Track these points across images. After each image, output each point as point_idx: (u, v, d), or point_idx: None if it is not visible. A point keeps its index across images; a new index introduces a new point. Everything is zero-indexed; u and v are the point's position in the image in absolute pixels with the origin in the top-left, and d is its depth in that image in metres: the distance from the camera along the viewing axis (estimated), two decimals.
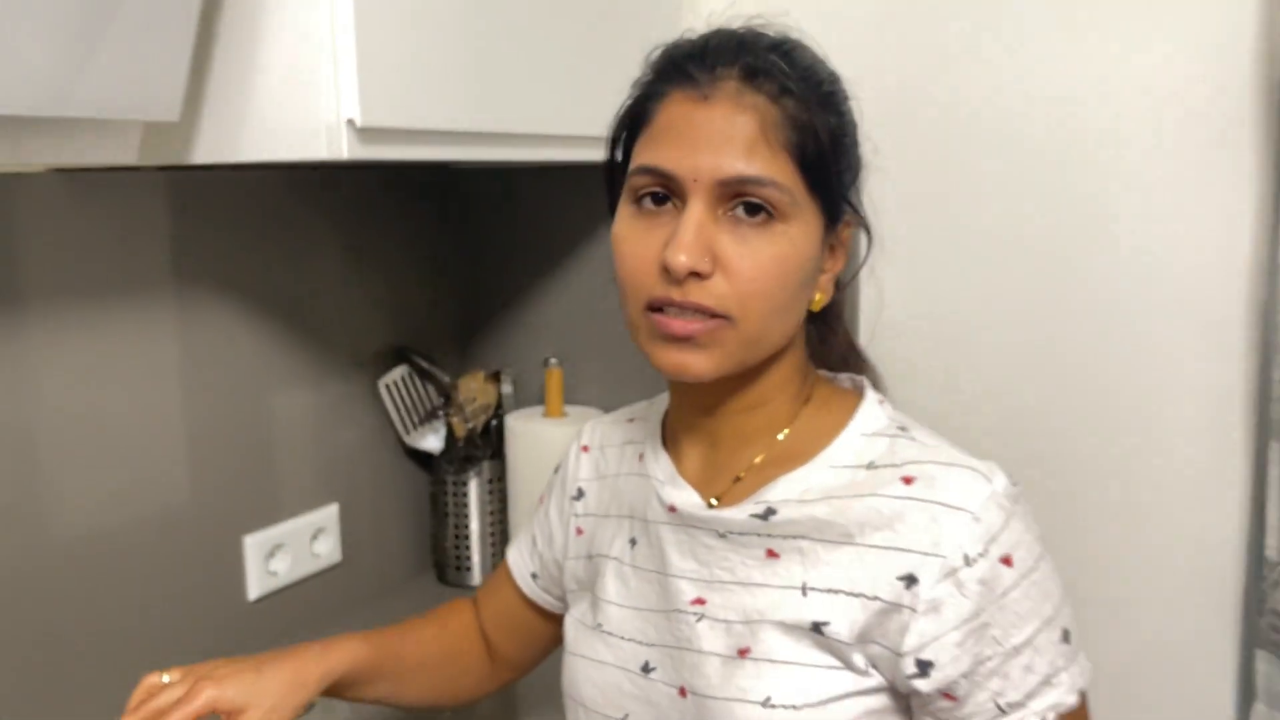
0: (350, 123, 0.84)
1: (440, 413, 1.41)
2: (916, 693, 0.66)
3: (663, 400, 0.85)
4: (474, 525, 1.39)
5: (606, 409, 0.93)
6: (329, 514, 1.31)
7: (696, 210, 0.66)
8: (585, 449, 0.90)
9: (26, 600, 1.00)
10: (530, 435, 1.33)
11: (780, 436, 0.75)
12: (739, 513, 0.72)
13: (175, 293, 1.11)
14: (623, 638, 0.77)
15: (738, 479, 0.75)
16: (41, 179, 0.99)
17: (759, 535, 0.72)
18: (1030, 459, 1.18)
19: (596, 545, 0.84)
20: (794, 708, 0.67)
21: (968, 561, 0.65)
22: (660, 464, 0.79)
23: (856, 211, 0.74)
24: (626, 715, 0.75)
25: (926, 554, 0.65)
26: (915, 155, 1.20)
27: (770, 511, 0.71)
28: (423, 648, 0.90)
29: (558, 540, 0.89)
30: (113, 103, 0.79)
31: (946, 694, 0.66)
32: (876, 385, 0.78)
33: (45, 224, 1.00)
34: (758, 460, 0.75)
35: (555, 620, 0.92)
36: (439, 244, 1.46)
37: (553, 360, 1.37)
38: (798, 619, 0.69)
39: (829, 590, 0.68)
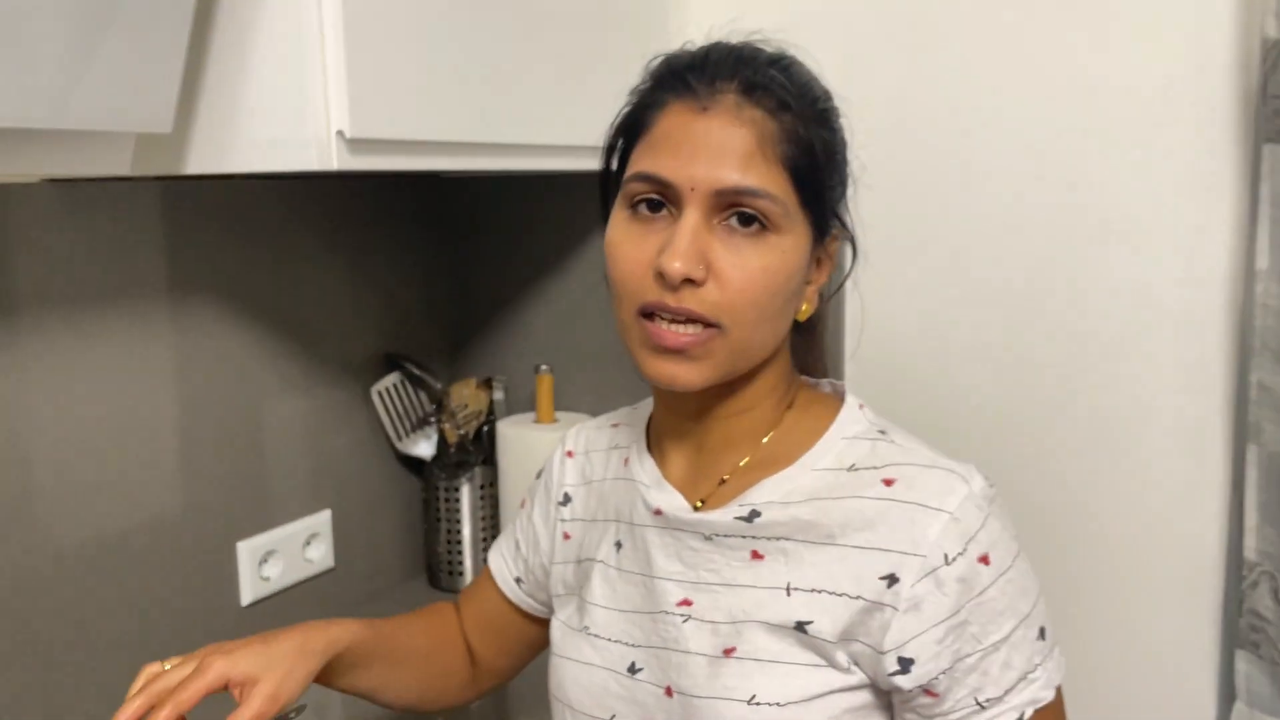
0: (340, 134, 0.85)
1: (432, 419, 1.42)
2: (898, 689, 0.68)
3: (646, 405, 0.87)
4: (466, 531, 1.40)
5: (597, 415, 0.94)
6: (322, 520, 1.32)
7: (692, 218, 0.68)
8: (570, 454, 0.91)
9: (20, 606, 1.01)
10: (521, 441, 1.35)
11: (764, 440, 0.76)
12: (724, 515, 0.74)
13: (168, 301, 1.12)
14: (609, 639, 0.78)
15: (722, 482, 0.76)
16: (36, 189, 1.00)
17: (744, 537, 0.73)
18: (1011, 463, 1.19)
19: (585, 550, 0.85)
20: (778, 705, 0.68)
21: (947, 560, 0.66)
22: (645, 468, 0.81)
23: (844, 225, 0.76)
24: (613, 716, 0.76)
25: (907, 553, 0.67)
26: (898, 169, 1.22)
27: (755, 514, 0.73)
28: (412, 640, 0.90)
29: (544, 545, 0.90)
30: (106, 115, 0.80)
31: (927, 690, 0.67)
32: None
33: (39, 234, 1.01)
34: (742, 463, 0.76)
35: (538, 624, 0.93)
36: (430, 252, 1.47)
37: (543, 367, 1.38)
38: (782, 618, 0.70)
39: (812, 590, 0.70)
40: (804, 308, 0.74)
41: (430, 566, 1.44)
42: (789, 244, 0.69)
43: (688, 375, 0.69)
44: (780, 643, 0.70)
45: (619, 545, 0.81)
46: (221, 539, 1.20)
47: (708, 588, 0.74)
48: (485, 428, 1.42)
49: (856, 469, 0.72)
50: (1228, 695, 1.11)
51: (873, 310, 1.15)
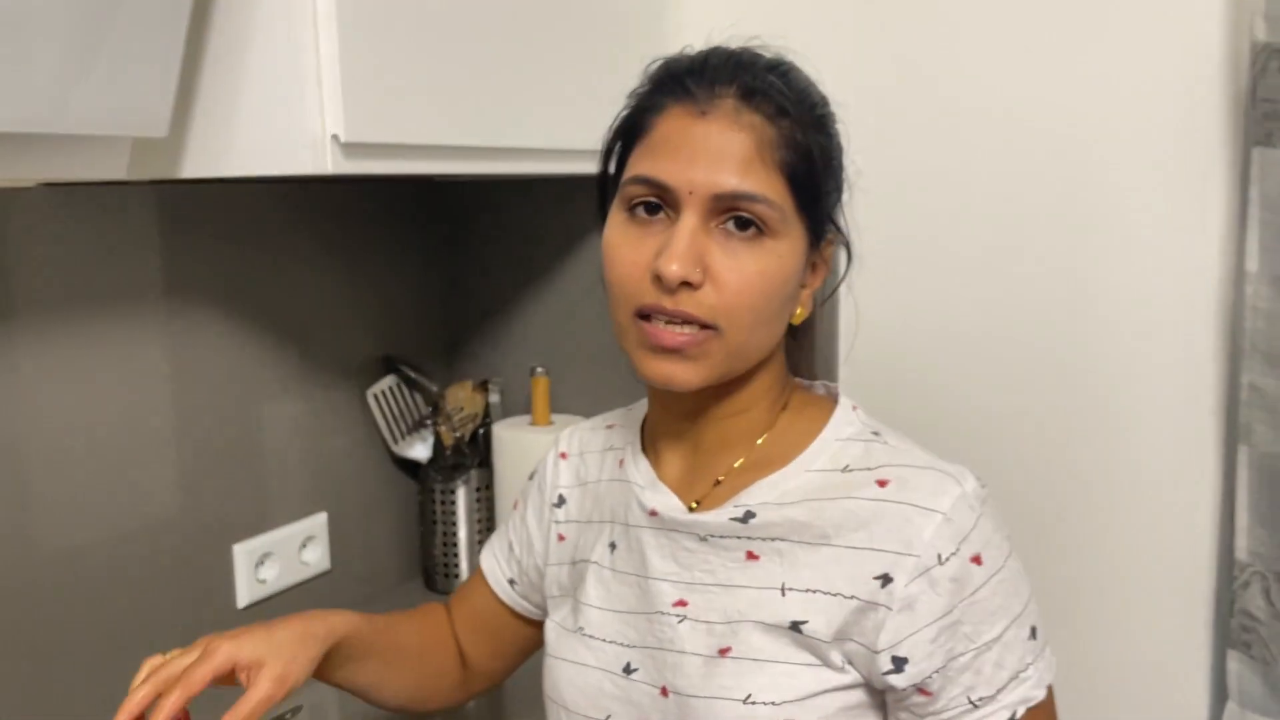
0: (334, 138, 0.85)
1: (428, 422, 1.42)
2: (892, 688, 0.68)
3: (640, 406, 0.87)
4: (461, 533, 1.40)
5: (592, 417, 0.95)
6: (318, 522, 1.32)
7: (690, 222, 0.68)
8: (564, 456, 0.91)
9: (16, 610, 1.01)
10: (517, 444, 1.35)
11: (759, 442, 0.77)
12: (719, 516, 0.74)
13: (165, 305, 1.13)
14: (604, 640, 0.79)
15: (717, 483, 0.77)
16: (32, 194, 1.00)
17: (739, 538, 0.74)
18: (1004, 465, 1.20)
19: (580, 551, 0.85)
20: (773, 704, 0.69)
21: (941, 560, 0.67)
22: (640, 469, 0.81)
23: (839, 230, 0.77)
24: (609, 716, 0.77)
25: (901, 553, 0.67)
26: (892, 174, 1.22)
27: (750, 515, 0.73)
28: (406, 638, 0.90)
29: (538, 547, 0.90)
30: (103, 119, 0.80)
31: (921, 689, 0.68)
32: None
33: (36, 238, 1.01)
34: (737, 465, 0.76)
35: (530, 626, 0.93)
36: (426, 255, 1.47)
37: (539, 369, 1.38)
38: (777, 618, 0.70)
39: (807, 590, 0.70)
40: (799, 311, 0.75)
41: (426, 569, 1.44)
42: (785, 248, 0.70)
43: (684, 375, 0.70)
44: (775, 642, 0.70)
45: (613, 546, 0.81)
46: (217, 541, 1.20)
47: (703, 588, 0.74)
48: (481, 430, 1.42)
49: (851, 470, 0.73)
50: (1220, 695, 1.12)
51: (866, 314, 1.16)
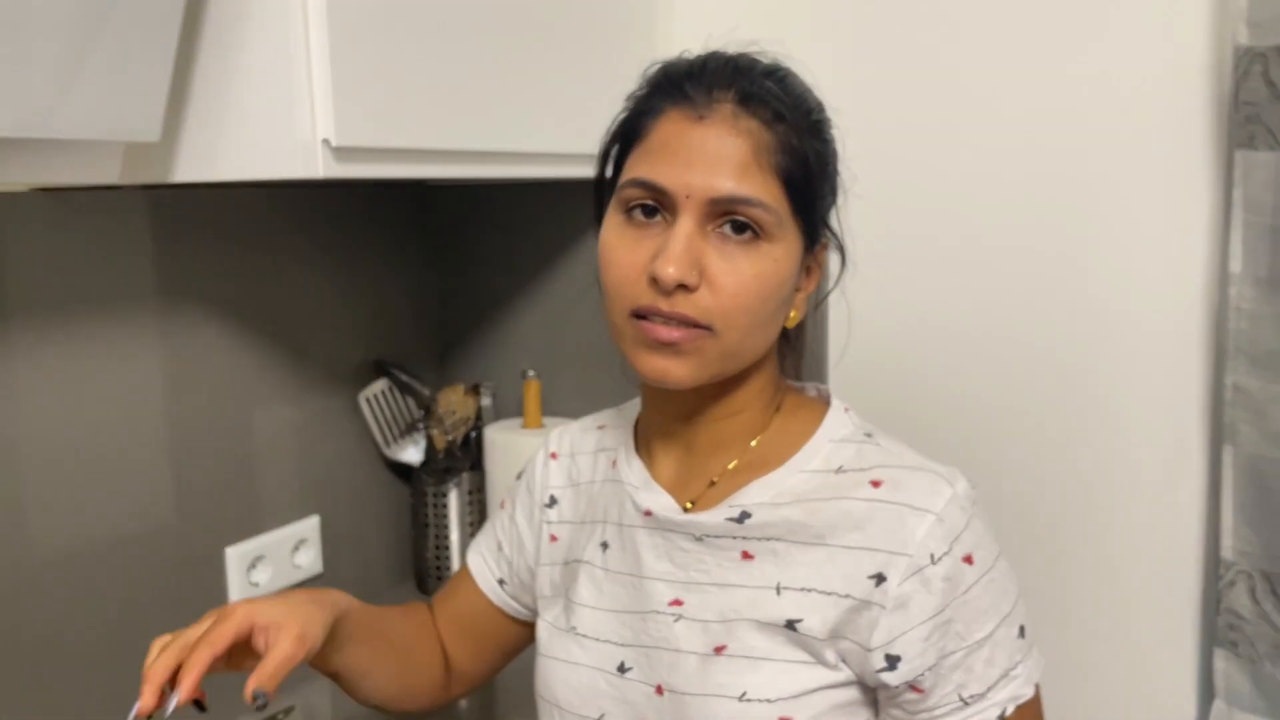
0: (326, 142, 0.86)
1: (420, 425, 1.42)
2: (884, 686, 0.69)
3: (632, 407, 0.88)
4: (454, 536, 1.40)
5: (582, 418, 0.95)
6: (310, 525, 1.32)
7: (686, 225, 0.69)
8: (554, 456, 0.91)
9: (10, 611, 1.01)
10: (509, 447, 1.35)
11: (753, 444, 0.77)
12: (714, 516, 0.75)
13: (157, 309, 1.13)
14: (597, 639, 0.79)
15: (712, 484, 0.77)
16: (25, 198, 1.00)
17: (734, 538, 0.74)
18: (993, 466, 1.21)
19: (573, 551, 0.85)
20: (769, 701, 0.69)
21: (933, 560, 0.68)
22: (634, 469, 0.82)
23: (834, 234, 0.77)
24: (602, 715, 0.77)
25: (894, 553, 0.68)
26: (886, 179, 1.23)
27: (745, 515, 0.74)
28: (395, 629, 0.88)
29: (529, 547, 0.90)
30: (95, 124, 0.80)
31: (913, 686, 0.68)
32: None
33: (29, 242, 1.01)
34: (731, 466, 0.77)
35: (517, 626, 0.93)
36: (417, 259, 1.48)
37: (530, 373, 1.39)
38: (772, 617, 0.71)
39: (802, 589, 0.71)
40: (793, 314, 0.76)
41: (418, 572, 1.44)
42: (781, 252, 0.70)
43: (679, 371, 0.70)
44: (770, 641, 0.71)
45: (605, 546, 0.82)
46: (210, 545, 1.20)
47: (698, 587, 0.75)
48: (473, 433, 1.43)
49: (844, 471, 0.74)
50: (1207, 693, 1.13)
51: (859, 317, 1.17)
